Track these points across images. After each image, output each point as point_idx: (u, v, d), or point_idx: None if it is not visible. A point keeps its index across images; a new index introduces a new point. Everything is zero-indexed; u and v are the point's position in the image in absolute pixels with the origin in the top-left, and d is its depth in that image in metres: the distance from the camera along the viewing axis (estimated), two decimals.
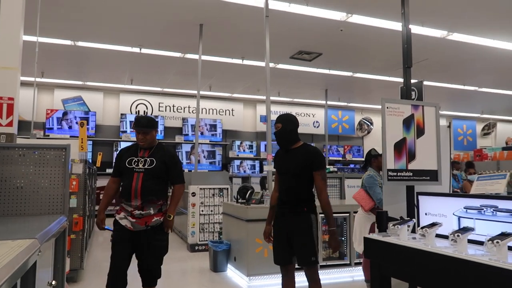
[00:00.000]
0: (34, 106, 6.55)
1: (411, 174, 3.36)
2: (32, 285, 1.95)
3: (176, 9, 7.26)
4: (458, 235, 2.41)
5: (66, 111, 12.82)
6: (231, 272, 5.57)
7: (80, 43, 9.05)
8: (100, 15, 7.53)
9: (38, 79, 11.59)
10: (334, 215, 5.29)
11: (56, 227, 2.76)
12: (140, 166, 3.58)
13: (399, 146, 3.34)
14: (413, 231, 3.01)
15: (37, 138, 7.05)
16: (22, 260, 1.65)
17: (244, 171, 14.62)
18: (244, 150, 14.90)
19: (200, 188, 7.42)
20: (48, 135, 12.35)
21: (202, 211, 7.39)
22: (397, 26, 7.77)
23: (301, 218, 3.26)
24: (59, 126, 12.61)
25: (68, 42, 8.96)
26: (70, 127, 12.66)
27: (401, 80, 3.80)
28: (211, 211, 7.46)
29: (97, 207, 4.08)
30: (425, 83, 4.16)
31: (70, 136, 12.31)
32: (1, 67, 3.59)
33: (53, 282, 2.45)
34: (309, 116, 16.12)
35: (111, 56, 9.94)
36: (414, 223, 3.02)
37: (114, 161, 3.57)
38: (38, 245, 1.99)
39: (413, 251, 2.60)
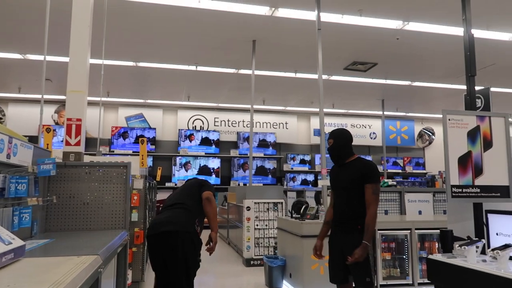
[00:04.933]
0: (100, 124, 6.99)
1: (478, 190, 3.12)
2: None
3: (229, 27, 7.47)
4: None
5: (128, 128, 13.57)
6: None
7: (141, 64, 9.58)
8: (159, 36, 7.94)
9: (103, 99, 12.43)
10: (393, 232, 5.10)
11: (118, 242, 2.89)
12: None
13: (464, 161, 3.12)
14: (483, 252, 2.78)
15: (103, 155, 7.51)
16: (86, 276, 1.74)
17: (298, 184, 14.50)
18: (295, 162, 14.81)
19: (255, 202, 7.44)
20: (113, 151, 13.13)
21: (257, 225, 7.39)
22: (458, 31, 7.37)
23: (355, 236, 3.12)
24: (123, 142, 13.36)
25: (130, 63, 9.53)
26: (132, 143, 13.37)
27: (465, 87, 3.57)
28: (266, 225, 7.44)
29: None
30: (492, 89, 3.87)
31: (133, 152, 13.01)
32: (70, 90, 3.88)
33: None
34: (365, 127, 15.67)
35: (169, 75, 10.41)
36: (484, 244, 2.79)
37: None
38: (101, 261, 2.09)
39: (483, 276, 2.39)
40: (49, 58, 8.43)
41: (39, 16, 4.84)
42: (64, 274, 1.63)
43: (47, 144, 5.42)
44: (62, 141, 3.82)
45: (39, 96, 4.04)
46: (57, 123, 13.07)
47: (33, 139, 3.95)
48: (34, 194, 2.92)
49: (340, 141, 3.29)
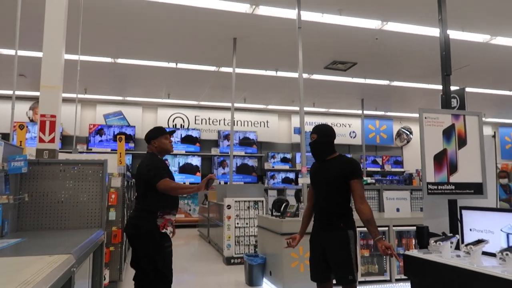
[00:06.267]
0: (76, 121, 6.83)
1: (453, 187, 3.18)
2: None
3: (210, 24, 7.41)
4: (507, 254, 2.24)
5: (106, 126, 13.32)
6: (267, 286, 5.49)
7: (120, 60, 9.41)
8: (138, 33, 7.81)
9: (81, 96, 12.16)
10: None
11: (93, 240, 2.83)
12: None
13: (439, 158, 3.18)
14: (457, 248, 2.84)
15: (79, 153, 7.35)
16: (57, 276, 1.69)
17: (279, 183, 14.55)
18: (275, 161, 14.86)
19: (235, 201, 7.42)
20: (91, 149, 12.87)
21: (238, 224, 7.37)
22: (435, 32, 7.51)
23: (337, 234, 3.10)
24: (101, 140, 13.11)
25: (108, 60, 9.35)
26: (110, 141, 13.13)
27: (441, 87, 3.63)
28: (247, 224, 7.43)
29: None
30: (468, 89, 3.95)
31: (111, 150, 12.77)
32: (44, 86, 3.77)
33: None
34: (345, 126, 15.85)
35: (149, 72, 10.26)
36: (458, 239, 2.85)
37: (164, 167, 3.43)
38: (74, 261, 2.03)
39: (457, 270, 2.43)
40: (23, 53, 8.20)
41: (11, 8, 4.69)
42: (33, 274, 1.58)
43: (20, 142, 5.27)
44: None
45: (12, 92, 3.91)
46: (32, 120, 12.71)
47: (6, 137, 3.82)
48: (5, 192, 2.83)
49: (323, 136, 3.23)
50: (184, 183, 13.33)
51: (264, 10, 6.92)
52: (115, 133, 13.20)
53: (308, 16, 7.01)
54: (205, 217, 10.36)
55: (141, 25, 7.44)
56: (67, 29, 4.14)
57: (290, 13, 6.91)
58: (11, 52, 8.22)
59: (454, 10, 6.25)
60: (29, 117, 12.79)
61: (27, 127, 11.80)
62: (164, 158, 3.75)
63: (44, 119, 3.69)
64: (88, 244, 2.61)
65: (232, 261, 7.17)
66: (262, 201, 7.63)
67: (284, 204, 5.82)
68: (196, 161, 13.88)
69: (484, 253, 2.56)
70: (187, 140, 13.90)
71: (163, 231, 3.23)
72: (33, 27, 5.01)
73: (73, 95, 7.34)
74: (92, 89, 12.06)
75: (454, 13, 6.36)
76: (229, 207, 7.38)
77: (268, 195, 10.50)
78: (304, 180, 6.12)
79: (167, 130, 3.63)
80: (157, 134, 3.53)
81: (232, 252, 7.24)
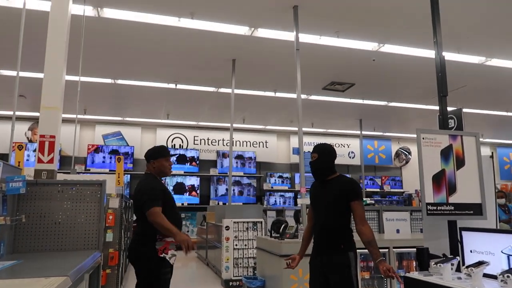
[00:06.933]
0: (75, 142, 6.84)
1: (452, 208, 3.17)
2: None
3: (209, 46, 7.52)
4: (508, 276, 2.21)
5: (105, 146, 13.33)
6: None
7: (120, 81, 9.50)
8: (138, 54, 7.92)
9: (80, 116, 12.20)
10: None
11: (90, 263, 2.79)
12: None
13: (438, 178, 3.18)
14: (458, 270, 2.81)
15: (78, 173, 7.32)
16: None
17: (279, 203, 14.47)
18: (274, 181, 14.82)
19: (234, 222, 7.36)
20: (89, 170, 12.83)
21: (236, 245, 7.29)
22: (432, 53, 7.64)
23: (338, 257, 3.04)
24: (99, 161, 13.09)
25: (108, 81, 9.43)
26: (109, 162, 13.11)
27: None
28: (245, 245, 7.34)
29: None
30: (465, 110, 4.00)
31: (110, 170, 12.73)
32: (44, 106, 3.80)
33: None
34: (344, 146, 15.88)
35: (148, 93, 10.34)
36: (459, 261, 2.82)
37: (156, 193, 3.21)
38: (70, 283, 2.01)
39: None
40: (24, 74, 8.27)
41: (14, 30, 4.77)
42: None
43: (19, 162, 5.26)
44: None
45: (12, 113, 3.93)
46: (30, 141, 12.72)
47: (4, 157, 3.82)
48: (2, 213, 2.80)
49: (324, 156, 3.22)
50: (182, 204, 13.26)
51: (262, 33, 7.04)
52: (114, 153, 13.19)
53: (306, 38, 7.13)
54: (203, 239, 10.25)
55: (141, 46, 7.54)
56: (68, 51, 4.20)
57: (288, 36, 7.02)
58: (12, 73, 8.29)
59: (450, 32, 6.37)
60: (27, 138, 12.80)
61: (26, 147, 11.81)
62: (162, 179, 3.63)
63: (43, 139, 3.70)
64: (85, 266, 2.58)
65: (230, 283, 7.06)
66: (261, 222, 7.57)
67: (283, 225, 5.77)
68: (194, 181, 13.82)
69: (486, 275, 2.53)
70: (185, 160, 13.89)
71: (162, 255, 3.14)
72: (34, 48, 5.08)
73: (73, 116, 7.38)
74: (91, 110, 12.12)
75: (450, 35, 6.48)
76: (227, 228, 7.31)
77: (267, 216, 10.42)
78: (303, 201, 6.08)
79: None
80: (158, 155, 3.44)
81: (231, 275, 7.13)
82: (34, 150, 11.70)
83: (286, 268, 3.34)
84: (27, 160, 11.35)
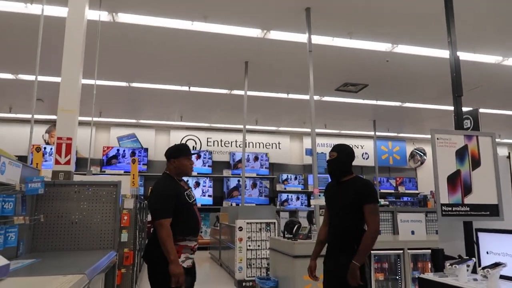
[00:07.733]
0: (91, 144, 6.96)
1: (468, 209, 3.13)
2: None
3: (222, 48, 7.57)
4: None
5: (120, 148, 13.51)
6: None
7: (134, 84, 9.63)
8: (152, 58, 8.02)
9: (96, 119, 12.40)
10: (386, 252, 5.06)
11: (106, 262, 2.84)
12: (192, 198, 3.31)
13: (453, 179, 3.14)
14: (474, 271, 2.77)
15: (93, 174, 7.45)
16: None
17: (293, 204, 14.44)
18: (287, 182, 14.79)
19: (247, 223, 7.38)
20: (104, 171, 13.02)
21: (249, 246, 7.31)
22: (447, 53, 7.55)
23: (350, 258, 3.06)
24: (115, 162, 13.28)
25: (123, 84, 9.58)
26: (124, 163, 13.29)
27: None
28: (258, 246, 7.36)
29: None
30: (482, 110, 3.94)
31: (124, 172, 12.90)
32: (61, 109, 3.88)
33: None
34: (358, 147, 15.77)
35: (162, 95, 10.46)
36: (474, 262, 2.78)
37: (166, 202, 3.03)
38: (87, 281, 2.05)
39: None
40: (42, 78, 8.45)
41: (32, 36, 4.89)
42: None
43: (37, 164, 5.38)
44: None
45: (30, 116, 4.03)
46: (47, 143, 12.97)
47: (23, 159, 3.91)
48: (21, 213, 2.88)
49: (343, 156, 3.22)
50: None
51: (275, 35, 7.06)
52: (129, 155, 13.36)
53: (319, 39, 7.12)
54: (217, 239, 10.29)
55: (155, 50, 7.64)
56: (84, 55, 4.29)
57: (300, 37, 7.03)
58: (30, 77, 8.48)
59: (465, 32, 6.30)
60: (45, 140, 13.06)
61: (44, 149, 12.04)
62: (167, 178, 3.36)
63: (60, 141, 3.78)
64: (101, 265, 2.63)
65: (243, 284, 7.08)
66: (274, 223, 7.57)
67: (296, 226, 5.77)
68: (207, 183, 13.90)
69: (502, 276, 2.49)
70: (198, 162, 13.98)
71: None
72: (52, 53, 5.19)
73: (89, 118, 7.51)
74: (106, 112, 12.31)
75: (465, 35, 6.41)
76: (240, 229, 7.34)
77: (280, 217, 10.42)
78: (316, 202, 6.07)
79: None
80: (179, 153, 3.25)
81: (244, 275, 7.15)
82: (50, 155, 11.93)
83: (311, 279, 3.35)
84: (45, 161, 11.58)
